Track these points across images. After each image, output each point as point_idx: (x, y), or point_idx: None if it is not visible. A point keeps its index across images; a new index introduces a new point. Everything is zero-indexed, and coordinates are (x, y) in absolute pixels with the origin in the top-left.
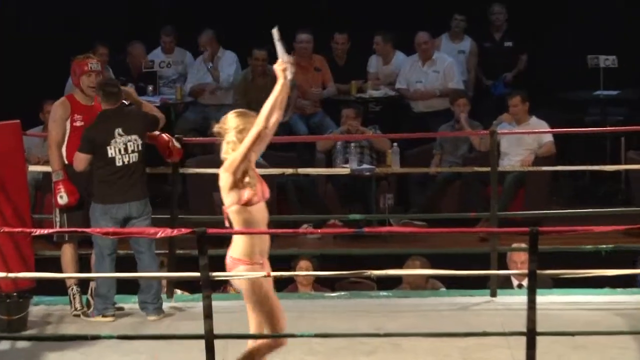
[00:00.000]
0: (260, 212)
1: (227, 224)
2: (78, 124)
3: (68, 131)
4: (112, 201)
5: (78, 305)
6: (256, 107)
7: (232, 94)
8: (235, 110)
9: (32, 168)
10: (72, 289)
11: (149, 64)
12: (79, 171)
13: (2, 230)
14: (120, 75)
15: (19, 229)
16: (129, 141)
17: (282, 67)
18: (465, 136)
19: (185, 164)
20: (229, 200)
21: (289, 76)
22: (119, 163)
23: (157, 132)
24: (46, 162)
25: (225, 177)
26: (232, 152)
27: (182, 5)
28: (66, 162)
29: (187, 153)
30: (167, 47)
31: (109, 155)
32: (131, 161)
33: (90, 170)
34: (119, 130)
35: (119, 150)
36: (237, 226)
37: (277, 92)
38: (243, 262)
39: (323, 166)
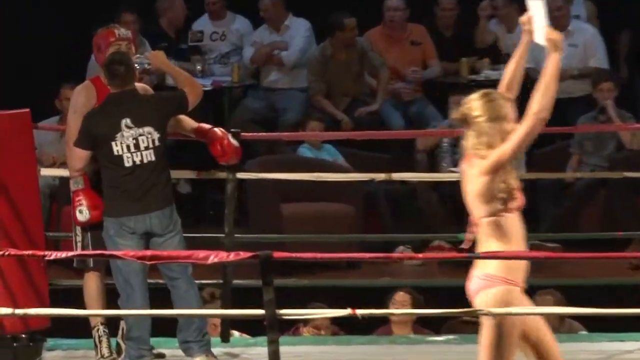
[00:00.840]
0: (518, 222)
1: (469, 237)
2: None
3: None
4: (126, 212)
5: (105, 351)
6: (337, 88)
7: (306, 74)
8: (482, 92)
9: (46, 172)
10: (98, 329)
11: (197, 36)
12: (78, 170)
13: (6, 254)
14: (159, 42)
15: (29, 252)
16: (141, 135)
17: (553, 35)
18: (613, 131)
19: (244, 166)
20: (486, 209)
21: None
22: (128, 163)
23: (207, 126)
24: (63, 164)
25: (483, 181)
26: (486, 147)
27: None
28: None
29: (246, 152)
30: (215, 12)
31: (115, 153)
32: (145, 160)
33: None
34: (126, 121)
35: (128, 147)
36: (490, 240)
37: (554, 67)
38: (502, 280)
39: (425, 170)
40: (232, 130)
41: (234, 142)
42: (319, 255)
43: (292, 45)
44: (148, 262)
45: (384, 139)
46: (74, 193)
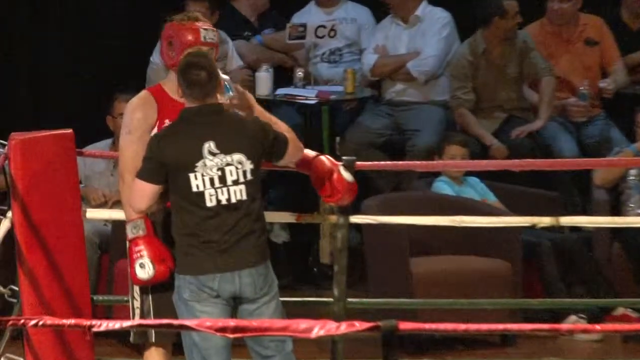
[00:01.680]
0: None
1: None
2: None
3: None
4: (208, 269)
5: None
6: (488, 100)
7: (449, 80)
8: None
9: (93, 214)
10: None
11: (299, 31)
12: (141, 212)
13: (41, 323)
14: (242, 31)
15: (71, 320)
16: (228, 165)
17: None
18: None
19: (360, 207)
20: None
21: None
22: (210, 202)
23: (311, 154)
24: (117, 204)
25: None
26: None
27: None
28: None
29: (363, 188)
30: None
31: (193, 189)
32: (233, 199)
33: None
34: (209, 146)
35: (211, 181)
36: None
37: None
38: None
39: (605, 213)
40: (344, 158)
41: (346, 175)
42: (460, 326)
43: (425, 47)
44: (232, 336)
45: (549, 170)
46: (131, 242)
